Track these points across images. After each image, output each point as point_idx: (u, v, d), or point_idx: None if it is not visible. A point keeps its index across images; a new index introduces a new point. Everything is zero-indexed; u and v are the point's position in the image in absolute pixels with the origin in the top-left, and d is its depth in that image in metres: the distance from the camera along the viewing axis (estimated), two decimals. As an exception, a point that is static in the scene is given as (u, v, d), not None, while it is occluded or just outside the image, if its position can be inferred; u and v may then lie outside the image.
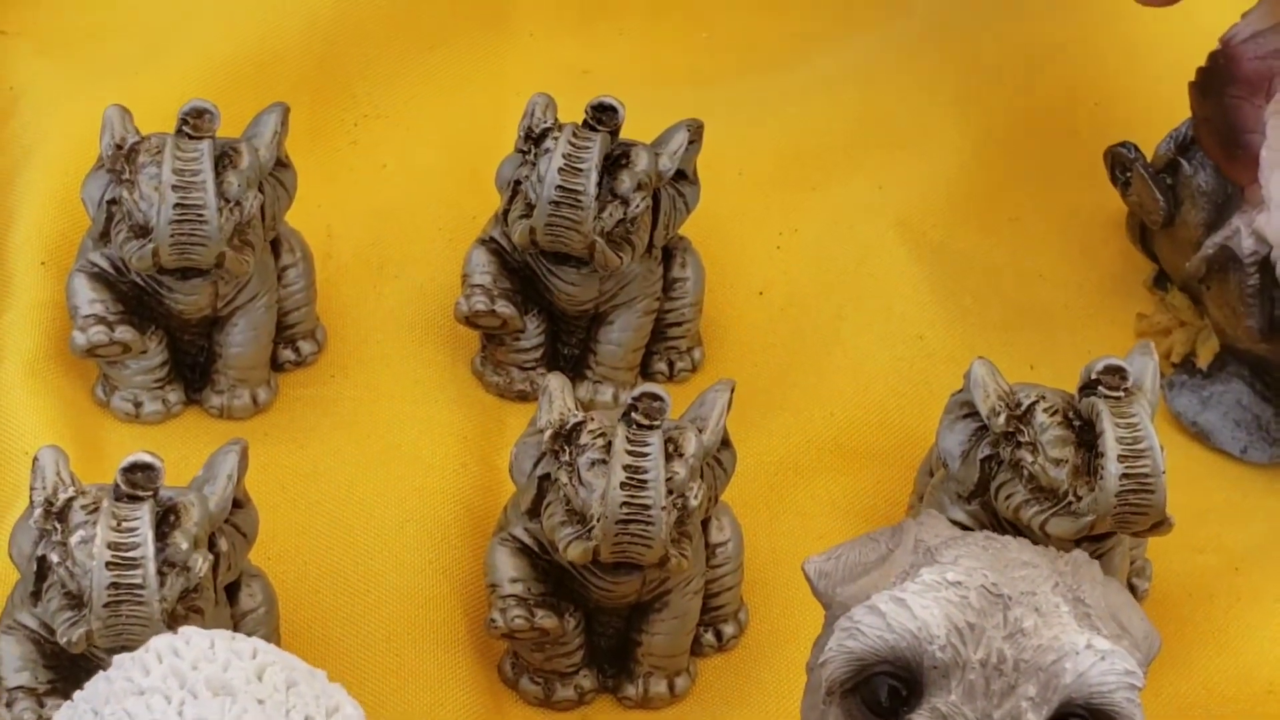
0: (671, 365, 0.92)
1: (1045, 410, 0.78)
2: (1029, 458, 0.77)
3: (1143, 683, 0.60)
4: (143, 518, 0.70)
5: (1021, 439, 0.78)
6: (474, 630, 0.81)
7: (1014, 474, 0.78)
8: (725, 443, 0.79)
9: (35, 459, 0.73)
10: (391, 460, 0.86)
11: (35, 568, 0.72)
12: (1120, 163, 0.93)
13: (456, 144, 0.99)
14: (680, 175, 0.88)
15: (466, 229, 0.93)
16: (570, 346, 0.90)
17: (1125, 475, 0.75)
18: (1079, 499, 0.76)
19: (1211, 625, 0.85)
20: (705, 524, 0.80)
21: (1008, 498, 0.78)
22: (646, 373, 0.92)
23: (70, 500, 0.71)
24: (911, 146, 1.02)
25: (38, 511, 0.71)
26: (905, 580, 0.61)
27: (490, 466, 0.86)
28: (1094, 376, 0.77)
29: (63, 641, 0.71)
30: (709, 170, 0.98)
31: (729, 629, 0.83)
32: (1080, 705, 0.59)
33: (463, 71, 1.04)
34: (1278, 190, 0.83)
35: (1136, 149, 0.93)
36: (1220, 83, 0.87)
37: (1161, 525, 0.76)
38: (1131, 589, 0.86)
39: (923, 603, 0.59)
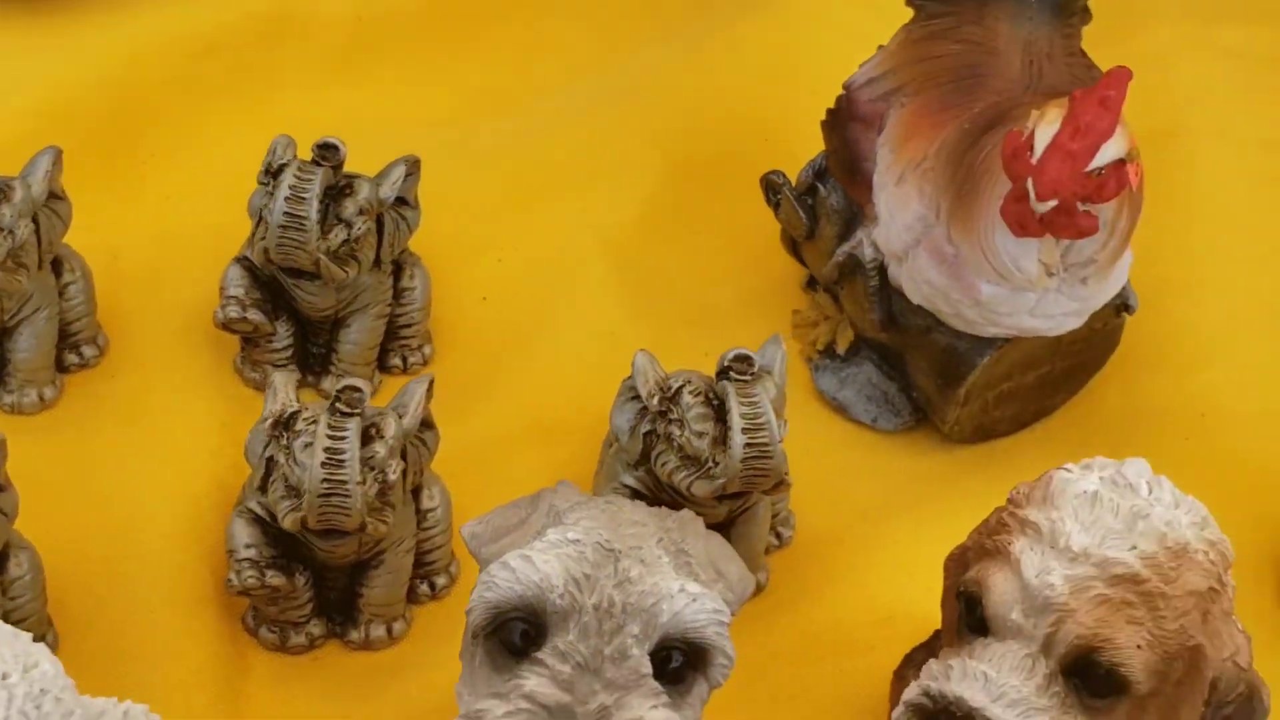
0: (405, 360, 0.90)
1: (690, 392, 0.76)
2: (677, 431, 0.76)
3: (729, 618, 0.58)
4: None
5: (672, 416, 0.76)
6: (220, 589, 0.78)
7: (667, 445, 0.76)
8: (427, 424, 0.77)
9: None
10: (159, 446, 0.84)
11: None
12: (772, 187, 0.92)
13: (226, 180, 0.95)
14: (402, 201, 0.86)
15: (229, 249, 0.89)
16: (317, 346, 0.88)
17: (748, 445, 0.73)
18: (716, 464, 0.74)
19: (842, 564, 0.85)
20: (417, 493, 0.78)
21: (664, 464, 0.76)
22: (384, 366, 0.89)
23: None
24: (614, 176, 1.00)
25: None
26: (535, 540, 0.59)
27: (243, 449, 0.83)
28: (726, 364, 0.75)
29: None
30: (444, 198, 0.96)
31: (441, 580, 0.80)
32: (677, 639, 0.58)
33: (236, 119, 1.01)
34: (884, 208, 0.82)
35: (784, 176, 0.91)
36: (844, 120, 0.86)
37: (781, 485, 0.75)
38: (777, 535, 0.84)
39: (545, 558, 0.57)
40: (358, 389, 0.72)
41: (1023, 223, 0.74)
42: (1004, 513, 0.64)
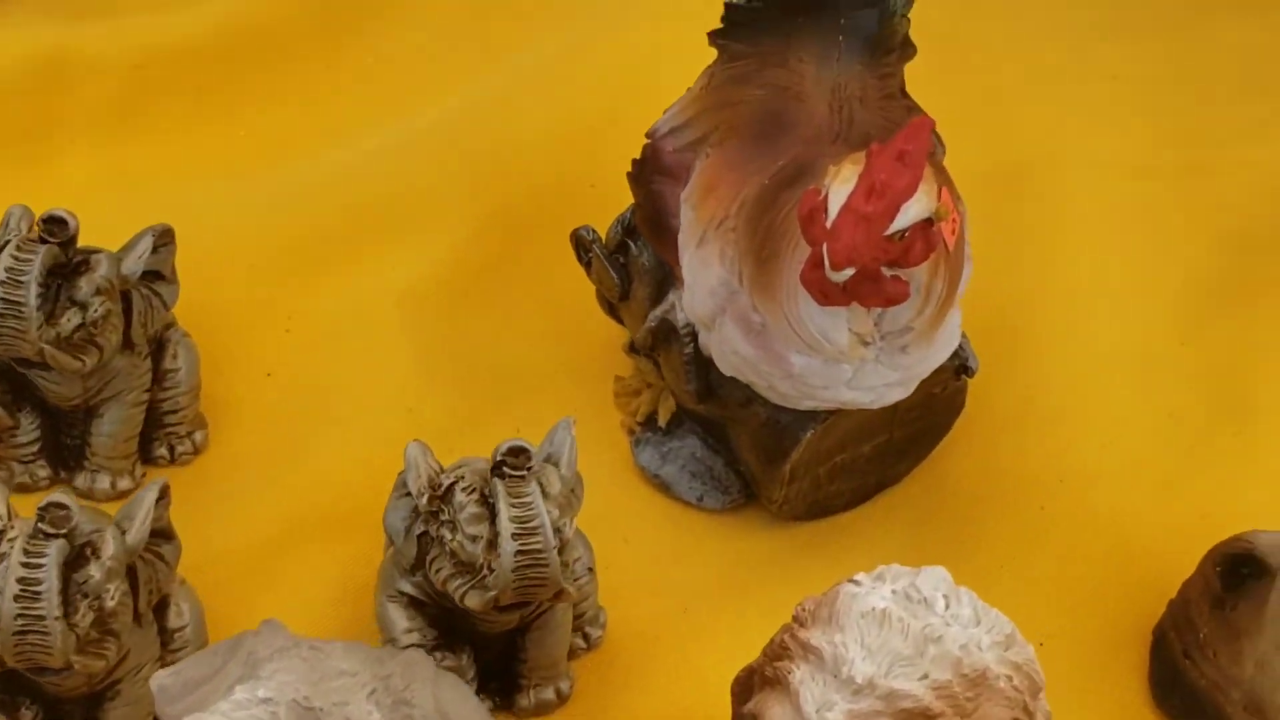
0: (173, 449, 0.82)
1: (463, 489, 0.69)
2: (449, 535, 0.69)
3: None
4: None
5: (443, 517, 0.69)
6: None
7: (440, 549, 0.69)
8: (164, 535, 0.70)
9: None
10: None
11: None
12: (581, 245, 0.85)
13: None
14: (154, 275, 0.79)
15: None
16: (71, 438, 0.80)
17: (520, 551, 0.67)
18: (491, 572, 0.68)
19: (659, 667, 0.78)
20: (162, 610, 0.71)
21: (437, 571, 0.70)
22: (148, 458, 0.82)
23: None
24: (417, 230, 0.93)
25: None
26: (224, 698, 0.52)
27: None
28: (499, 458, 0.69)
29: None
30: (224, 260, 0.89)
31: None
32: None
33: (11, 178, 0.94)
34: (689, 271, 0.76)
35: (594, 231, 0.85)
36: (649, 172, 0.79)
37: (561, 595, 0.68)
38: (584, 637, 0.78)
39: (229, 722, 0.51)
40: (63, 505, 0.65)
41: (825, 291, 0.67)
42: (786, 634, 0.58)
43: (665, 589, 0.81)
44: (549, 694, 0.75)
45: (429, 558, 0.70)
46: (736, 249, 0.72)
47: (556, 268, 0.92)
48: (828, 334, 0.70)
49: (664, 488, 0.85)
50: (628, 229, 0.83)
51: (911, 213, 0.65)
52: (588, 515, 0.83)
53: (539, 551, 0.67)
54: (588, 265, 0.85)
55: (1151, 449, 0.88)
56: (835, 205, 0.64)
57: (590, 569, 0.76)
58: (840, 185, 0.65)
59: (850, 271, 0.65)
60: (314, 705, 0.50)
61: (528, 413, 0.87)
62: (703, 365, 0.80)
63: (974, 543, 0.83)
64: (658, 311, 0.81)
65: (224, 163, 0.96)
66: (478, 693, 0.73)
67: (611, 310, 0.87)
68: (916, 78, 1.09)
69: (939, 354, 0.74)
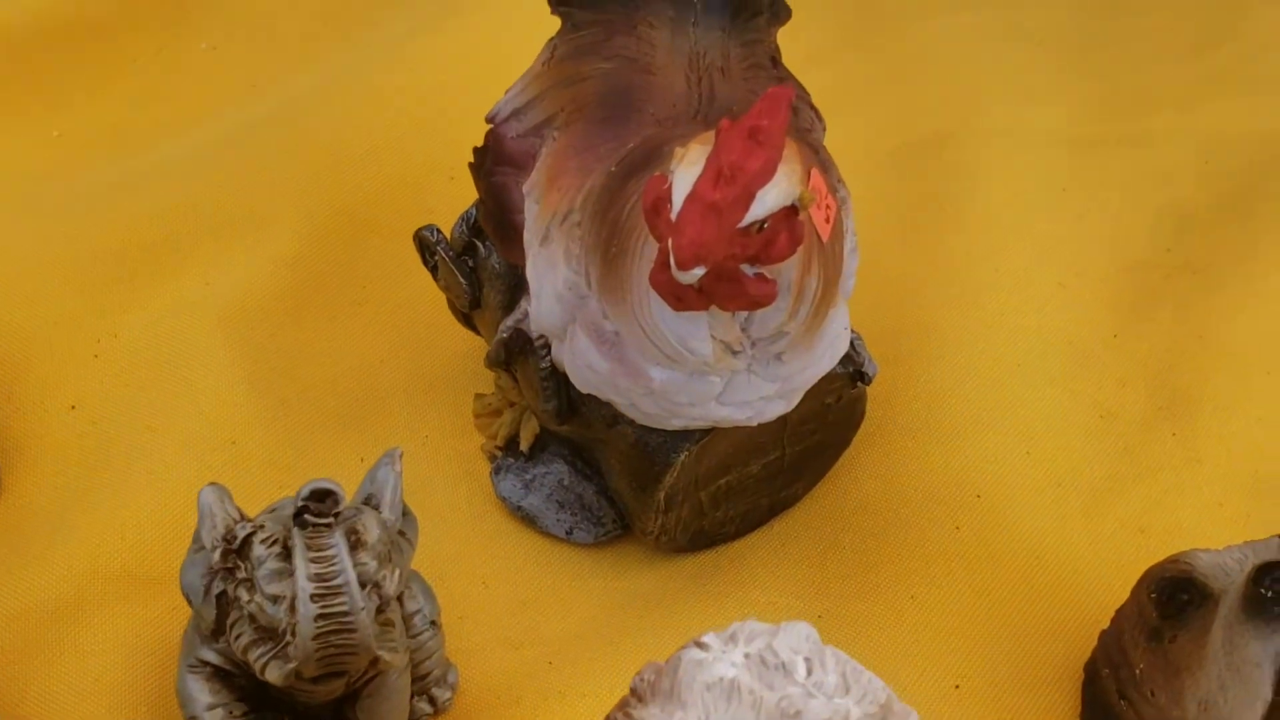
0: (-44, 498, 0.73)
1: (262, 541, 0.60)
2: (245, 595, 0.60)
3: None
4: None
5: (240, 574, 0.61)
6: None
7: (240, 612, 0.61)
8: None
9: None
10: None
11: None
12: (426, 246, 0.76)
13: None
14: None
15: None
16: None
17: (321, 615, 0.58)
18: (295, 638, 0.59)
19: (514, 731, 0.70)
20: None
21: (237, 638, 0.61)
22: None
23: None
24: (249, 235, 0.84)
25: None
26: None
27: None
28: (300, 503, 0.60)
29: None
30: (19, 277, 0.80)
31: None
32: None
33: None
34: (533, 274, 0.67)
35: (439, 232, 0.76)
36: (490, 162, 0.71)
37: (377, 664, 0.60)
38: (430, 700, 0.69)
39: None
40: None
41: (678, 294, 0.59)
42: (621, 711, 0.49)
43: (528, 639, 0.73)
44: None
45: (229, 622, 0.61)
46: (583, 247, 0.64)
47: (409, 272, 0.83)
48: (687, 343, 0.62)
49: (529, 521, 0.76)
50: (474, 228, 0.75)
51: (770, 200, 0.56)
52: (439, 557, 0.75)
53: (343, 615, 0.58)
54: (434, 270, 0.77)
55: (1081, 455, 0.80)
56: (680, 194, 0.56)
57: (434, 622, 0.68)
58: (686, 170, 0.56)
59: (700, 271, 0.56)
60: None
61: (374, 440, 0.78)
62: (562, 381, 0.71)
63: (879, 571, 0.75)
64: (509, 321, 0.73)
65: (31, 165, 0.87)
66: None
67: (466, 320, 0.79)
68: (821, 47, 1.01)
69: (823, 361, 0.66)
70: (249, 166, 0.86)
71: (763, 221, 0.57)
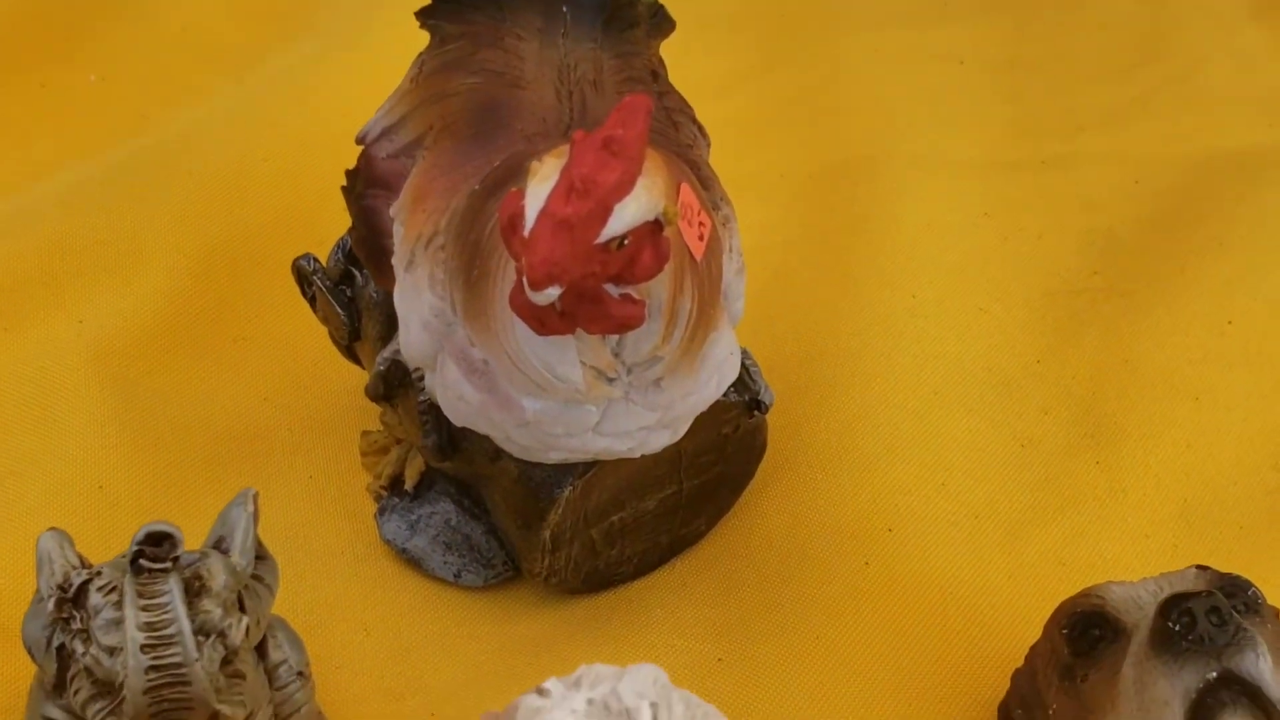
0: None
1: (100, 589, 0.57)
2: (81, 647, 0.57)
3: None
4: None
5: (75, 625, 0.57)
6: None
7: (78, 665, 0.57)
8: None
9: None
10: None
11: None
12: (303, 276, 0.73)
13: None
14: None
15: None
16: None
17: (153, 668, 0.54)
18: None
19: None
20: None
21: (76, 692, 0.57)
22: None
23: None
24: (122, 272, 0.80)
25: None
26: None
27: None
28: (135, 547, 0.56)
29: None
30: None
31: None
32: None
33: None
34: (400, 300, 0.64)
35: (316, 261, 0.73)
36: (361, 185, 0.68)
37: (217, 719, 0.56)
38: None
39: None
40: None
41: (539, 317, 0.55)
42: (456, 765, 0.46)
43: (410, 688, 0.69)
44: None
45: (69, 675, 0.58)
46: (446, 271, 0.61)
47: (293, 306, 0.80)
48: (555, 370, 0.59)
49: (415, 563, 0.73)
50: (350, 255, 0.72)
51: (629, 214, 0.53)
52: (319, 603, 0.71)
53: (176, 666, 0.54)
54: (312, 301, 0.74)
55: (1000, 486, 0.77)
56: (533, 210, 0.53)
57: (300, 673, 0.64)
58: (539, 185, 0.53)
59: (555, 292, 0.53)
60: None
61: (254, 482, 0.73)
62: (441, 414, 0.68)
63: (784, 611, 0.71)
64: (386, 352, 0.69)
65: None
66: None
67: (349, 352, 0.76)
68: (739, 70, 0.98)
69: (708, 388, 0.63)
70: (127, 201, 0.83)
71: (622, 237, 0.53)
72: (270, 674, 0.62)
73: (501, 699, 0.69)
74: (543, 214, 0.52)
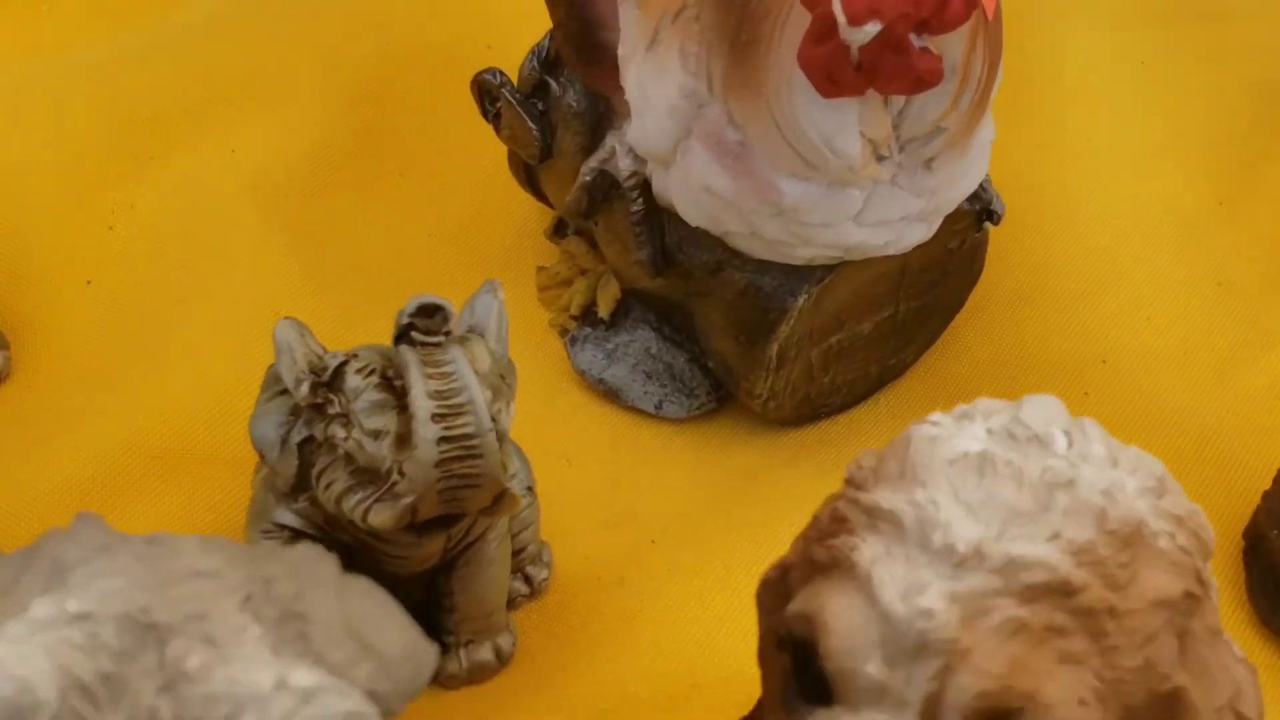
0: (-38, 377, 0.65)
1: (358, 371, 0.53)
2: (341, 433, 0.52)
3: (377, 726, 0.35)
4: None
5: (332, 410, 0.53)
6: None
7: (331, 455, 0.53)
8: None
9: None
10: None
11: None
12: (487, 92, 0.69)
13: None
14: None
15: None
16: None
17: (444, 439, 0.50)
18: (403, 476, 0.52)
19: (622, 615, 0.62)
20: None
21: (328, 487, 0.53)
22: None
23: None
24: (270, 103, 0.76)
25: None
26: (14, 619, 0.35)
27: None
28: (405, 320, 0.52)
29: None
30: (27, 147, 0.73)
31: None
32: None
33: None
34: (637, 87, 0.60)
35: (503, 74, 0.69)
36: (571, -23, 0.64)
37: (504, 499, 0.52)
38: (526, 580, 0.62)
39: (23, 651, 0.34)
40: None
41: (832, 75, 0.52)
42: (840, 501, 0.42)
43: (623, 518, 0.65)
44: (485, 654, 0.59)
45: (316, 471, 0.53)
46: (703, 42, 0.57)
47: (453, 141, 0.76)
48: (832, 141, 0.55)
49: (612, 394, 0.69)
50: (546, 63, 0.68)
51: (950, -53, 0.50)
52: (517, 433, 0.67)
53: (468, 437, 0.50)
54: (496, 119, 0.70)
55: (1203, 323, 0.74)
56: (845, -58, 0.49)
57: (530, 488, 0.60)
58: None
59: (873, 30, 0.49)
60: (156, 620, 0.34)
61: (427, 317, 0.71)
62: (656, 226, 0.65)
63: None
64: (592, 163, 0.66)
65: (32, 36, 0.79)
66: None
67: (529, 179, 0.72)
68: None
69: (971, 175, 0.59)
70: (271, 28, 0.79)
71: (939, -26, 0.50)
72: (502, 487, 0.58)
73: (722, 526, 0.66)
74: (861, -56, 0.49)
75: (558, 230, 0.73)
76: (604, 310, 0.70)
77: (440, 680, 0.58)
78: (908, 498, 0.40)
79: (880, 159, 0.57)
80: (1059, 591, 0.38)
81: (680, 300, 0.67)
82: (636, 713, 0.58)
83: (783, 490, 0.67)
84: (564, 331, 0.71)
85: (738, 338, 0.65)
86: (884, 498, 0.40)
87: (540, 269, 0.73)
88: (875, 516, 0.40)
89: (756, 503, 0.66)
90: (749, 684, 0.53)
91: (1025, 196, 0.77)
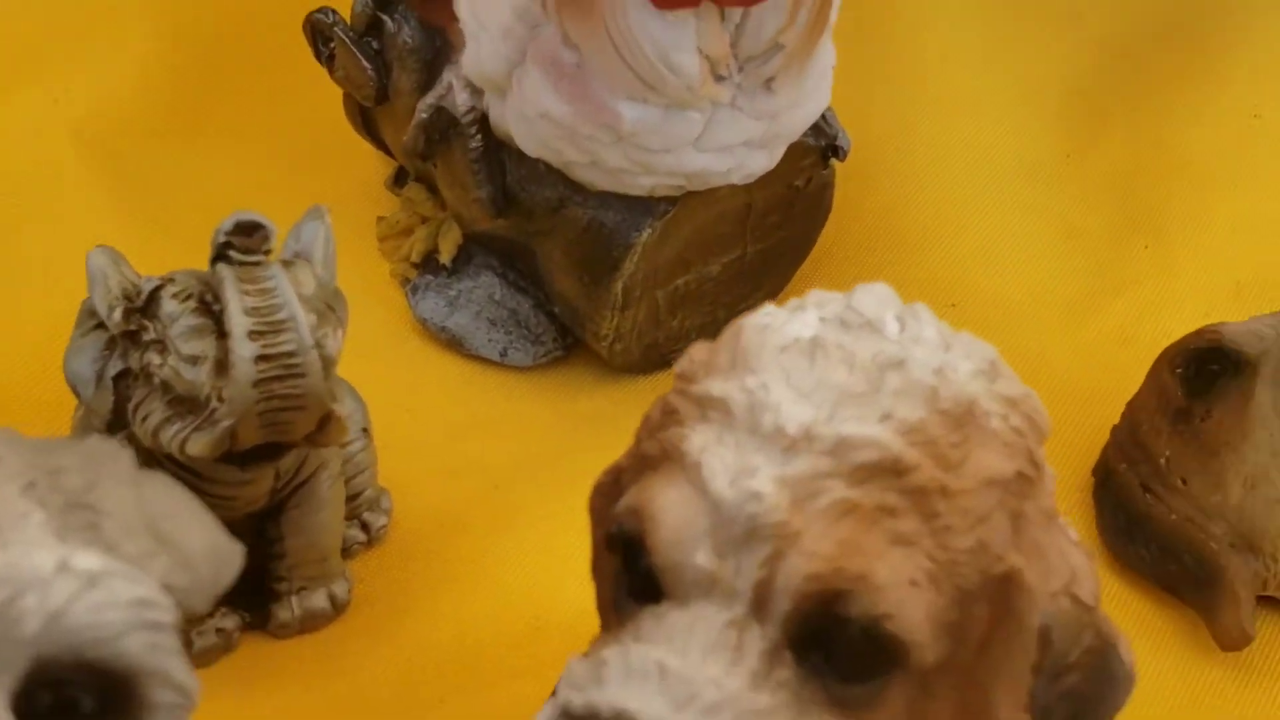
0: None
1: (174, 296, 0.51)
2: (157, 360, 0.50)
3: (171, 615, 0.33)
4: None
5: (147, 337, 0.51)
6: None
7: (149, 386, 0.51)
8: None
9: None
10: None
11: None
12: (320, 32, 0.68)
13: None
14: None
15: None
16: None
17: (262, 357, 0.48)
18: (222, 402, 0.49)
19: (463, 561, 0.60)
20: None
21: (144, 419, 0.51)
22: None
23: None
24: (96, 51, 0.74)
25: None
26: None
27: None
28: (223, 238, 0.50)
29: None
30: None
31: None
32: (69, 664, 0.32)
33: None
34: (469, 14, 0.59)
35: (335, 13, 0.67)
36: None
37: (330, 424, 0.50)
38: (363, 526, 0.60)
39: None
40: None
41: (666, -15, 0.51)
42: (670, 394, 0.41)
43: (465, 466, 0.64)
44: (319, 601, 0.57)
45: (132, 405, 0.51)
46: (535, -39, 0.56)
47: (290, 90, 0.75)
48: (670, 57, 0.54)
49: (455, 342, 0.67)
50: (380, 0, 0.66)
51: None
52: (356, 382, 0.66)
53: (289, 355, 0.48)
54: (330, 60, 0.68)
55: (1051, 271, 0.75)
56: None
57: (365, 430, 0.59)
58: None
59: (702, -66, 0.49)
60: (-74, 503, 0.32)
61: (262, 267, 0.69)
62: (496, 163, 0.63)
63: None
64: (429, 99, 0.64)
65: None
66: (220, 606, 0.55)
67: (366, 125, 0.70)
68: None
69: (810, 102, 0.59)
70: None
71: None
72: (335, 427, 0.56)
73: (568, 470, 0.64)
74: None
75: (398, 180, 0.72)
76: (445, 256, 0.68)
77: (272, 629, 0.56)
78: (738, 385, 0.39)
79: (719, 79, 0.56)
80: (890, 471, 0.37)
81: (523, 242, 0.66)
82: (478, 654, 0.57)
83: (631, 435, 0.66)
84: (405, 281, 0.69)
85: (581, 277, 0.64)
86: (715, 387, 0.39)
87: (380, 219, 0.71)
88: (706, 406, 0.39)
89: (604, 448, 0.64)
90: (592, 620, 0.51)
91: (873, 141, 0.77)
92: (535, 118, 0.58)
